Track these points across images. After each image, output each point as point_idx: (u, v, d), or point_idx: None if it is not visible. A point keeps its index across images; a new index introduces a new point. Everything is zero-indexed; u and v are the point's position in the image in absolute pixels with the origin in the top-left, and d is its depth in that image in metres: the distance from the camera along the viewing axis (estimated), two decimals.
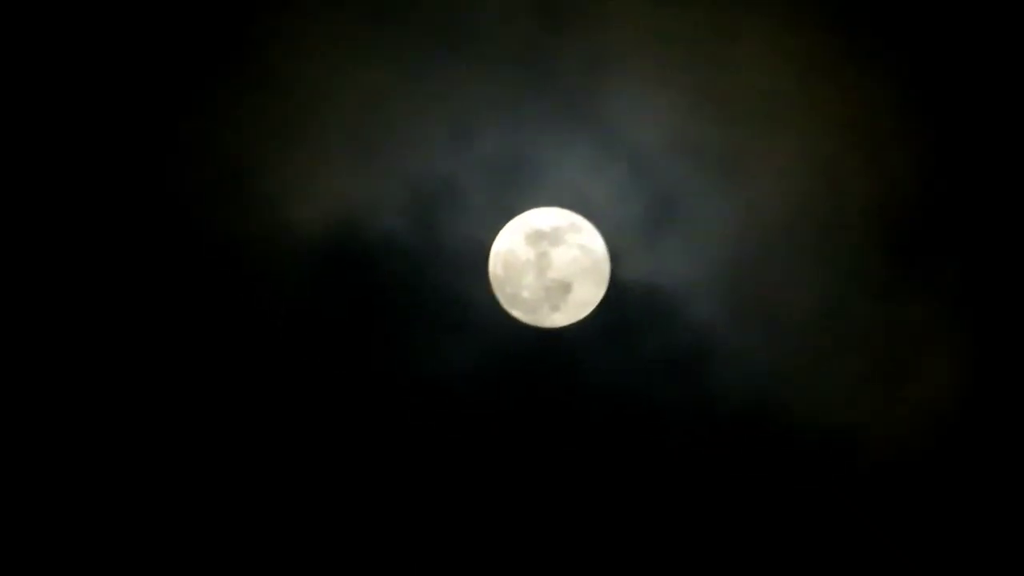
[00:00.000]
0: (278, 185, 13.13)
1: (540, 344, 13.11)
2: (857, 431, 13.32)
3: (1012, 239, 13.21)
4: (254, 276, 13.01)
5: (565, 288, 12.57)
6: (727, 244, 13.29)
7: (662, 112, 13.27)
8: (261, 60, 13.25)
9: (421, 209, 13.21)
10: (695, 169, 13.28)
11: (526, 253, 12.64)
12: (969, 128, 13.04)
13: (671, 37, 13.26)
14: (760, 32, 13.19)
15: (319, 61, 13.37)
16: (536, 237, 12.71)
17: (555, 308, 12.55)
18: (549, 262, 12.60)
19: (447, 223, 13.23)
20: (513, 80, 13.28)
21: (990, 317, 13.25)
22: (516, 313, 12.59)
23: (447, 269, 13.12)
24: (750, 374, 13.33)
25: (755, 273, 13.33)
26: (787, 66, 13.17)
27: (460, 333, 13.13)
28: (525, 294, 12.54)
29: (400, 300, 13.12)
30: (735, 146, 13.29)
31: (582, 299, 12.78)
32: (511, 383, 13.09)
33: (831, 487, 13.28)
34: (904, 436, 13.28)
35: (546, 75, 13.26)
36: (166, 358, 12.42)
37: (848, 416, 13.30)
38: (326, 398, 12.80)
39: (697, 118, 13.31)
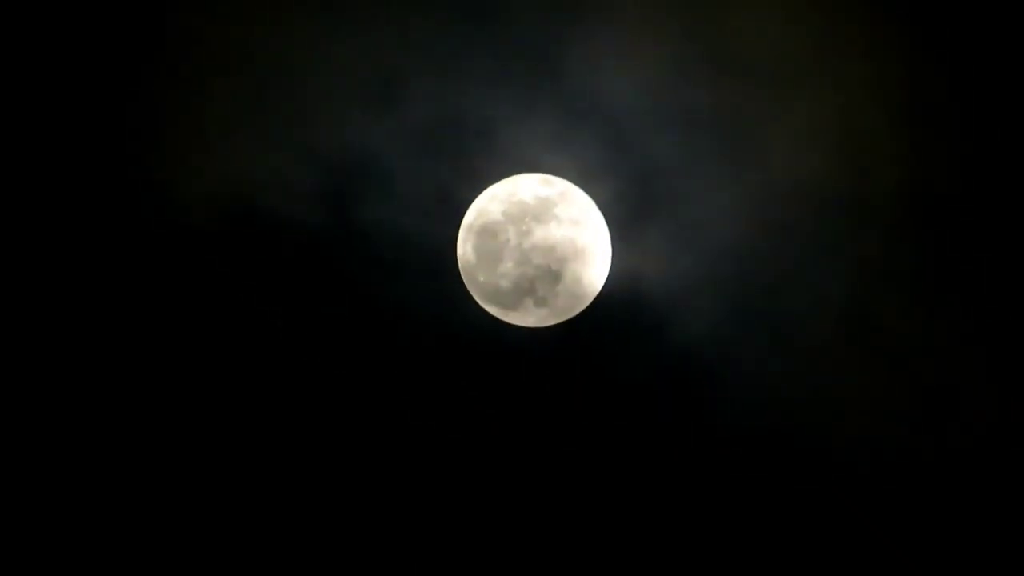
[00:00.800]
0: (161, 161, 10.96)
1: (521, 347, 10.76)
2: (891, 467, 10.78)
3: None
4: (135, 267, 10.80)
5: (554, 277, 9.72)
6: (727, 234, 11.05)
7: (645, 69, 10.96)
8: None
9: (338, 186, 10.69)
10: (687, 141, 11.09)
11: (504, 232, 9.77)
12: (1018, 96, 10.77)
13: None
14: None
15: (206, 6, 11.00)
16: (517, 211, 9.85)
17: (540, 302, 9.64)
18: (533, 243, 9.74)
19: (368, 204, 10.49)
20: (454, 29, 10.95)
21: None
22: (492, 309, 9.67)
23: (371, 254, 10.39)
24: (756, 395, 10.72)
25: (763, 270, 10.83)
26: (805, 15, 10.76)
27: (414, 334, 10.33)
28: (504, 284, 9.65)
29: (321, 291, 10.44)
30: (737, 113, 11.00)
31: (575, 291, 9.97)
32: (481, 400, 10.74)
33: (861, 539, 10.78)
34: (951, 472, 10.80)
35: (496, 21, 10.94)
36: (51, 349, 11.01)
37: (879, 445, 10.74)
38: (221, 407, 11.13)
39: (689, 77, 10.97)
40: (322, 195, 10.83)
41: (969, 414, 10.98)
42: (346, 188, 10.83)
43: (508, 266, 9.97)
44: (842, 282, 11.04)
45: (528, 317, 10.25)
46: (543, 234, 10.01)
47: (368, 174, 10.84)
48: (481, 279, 10.13)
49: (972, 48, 10.75)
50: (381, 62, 10.91)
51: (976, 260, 10.92)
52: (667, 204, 10.94)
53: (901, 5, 10.83)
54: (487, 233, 10.07)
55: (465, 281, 10.32)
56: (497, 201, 10.17)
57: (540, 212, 10.08)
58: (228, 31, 10.87)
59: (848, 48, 10.89)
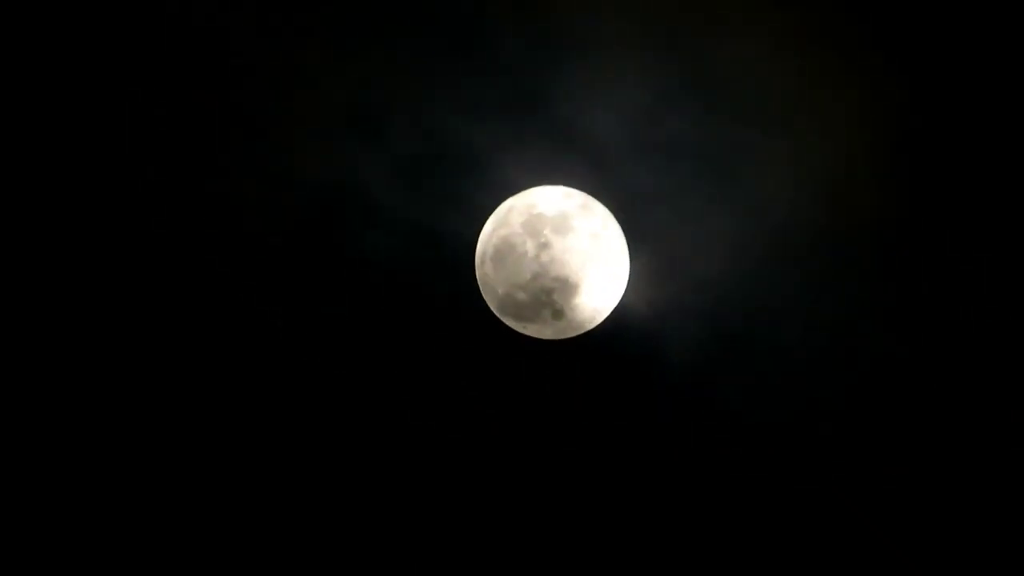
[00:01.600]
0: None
1: (537, 361, 10.62)
2: (882, 495, 10.80)
3: None
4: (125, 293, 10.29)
5: (572, 289, 9.60)
6: (710, 265, 10.69)
7: (631, 101, 10.98)
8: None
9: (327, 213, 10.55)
10: (670, 175, 10.83)
11: (522, 243, 9.64)
12: (1004, 130, 11.02)
13: (643, 12, 10.77)
14: (752, 10, 10.91)
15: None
16: (536, 223, 9.74)
17: (558, 315, 9.52)
18: (551, 255, 9.62)
19: (358, 230, 10.34)
20: (440, 59, 10.80)
21: None
22: (508, 321, 9.46)
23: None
24: (742, 428, 10.70)
25: (746, 302, 10.76)
26: (793, 50, 10.93)
27: (422, 349, 10.10)
28: (521, 296, 9.48)
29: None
30: (720, 146, 11.04)
31: (592, 304, 9.85)
32: (495, 411, 10.31)
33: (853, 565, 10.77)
34: (945, 501, 10.87)
35: (484, 56, 10.81)
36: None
37: (868, 474, 10.78)
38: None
39: (676, 109, 10.97)
40: (310, 222, 10.62)
41: (961, 445, 11.06)
42: (335, 215, 10.65)
43: (526, 278, 9.80)
44: (828, 315, 11.08)
45: (546, 329, 10.06)
46: (561, 246, 9.87)
47: (357, 202, 10.65)
48: (500, 291, 9.93)
49: (960, 84, 10.98)
50: (368, 91, 10.76)
51: (964, 295, 11.05)
52: (648, 239, 10.91)
53: (890, 40, 11.02)
54: (505, 245, 9.89)
55: (482, 292, 10.11)
56: (516, 212, 10.02)
57: (559, 224, 9.95)
58: (222, 56, 10.64)
59: (836, 83, 11.02)
